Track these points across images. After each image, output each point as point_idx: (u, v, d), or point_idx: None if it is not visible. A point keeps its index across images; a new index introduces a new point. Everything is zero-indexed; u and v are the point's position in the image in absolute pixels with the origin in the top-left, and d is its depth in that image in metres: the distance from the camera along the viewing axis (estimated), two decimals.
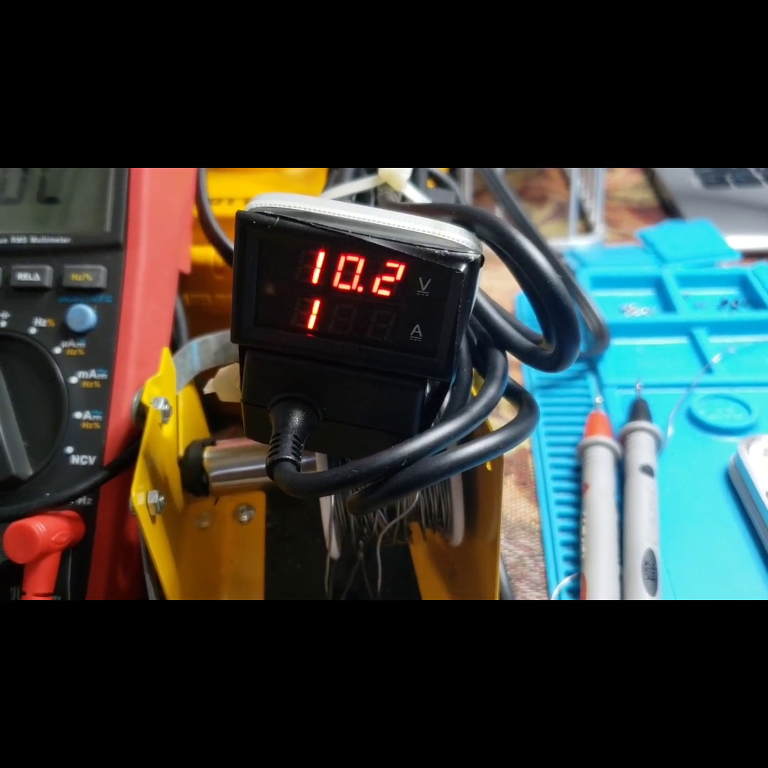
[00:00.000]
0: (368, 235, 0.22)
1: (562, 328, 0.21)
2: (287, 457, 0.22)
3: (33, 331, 0.32)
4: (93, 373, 0.31)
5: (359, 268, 0.22)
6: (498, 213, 0.56)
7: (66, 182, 0.33)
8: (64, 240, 0.32)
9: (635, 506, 0.36)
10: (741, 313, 0.52)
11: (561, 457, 0.41)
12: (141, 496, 0.25)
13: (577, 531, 0.36)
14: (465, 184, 0.64)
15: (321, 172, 0.39)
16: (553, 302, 0.21)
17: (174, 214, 0.35)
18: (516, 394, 0.25)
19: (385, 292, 0.22)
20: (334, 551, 0.29)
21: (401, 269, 0.22)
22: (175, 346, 0.36)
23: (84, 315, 0.32)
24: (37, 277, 0.32)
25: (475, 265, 0.22)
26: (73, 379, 0.31)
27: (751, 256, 0.58)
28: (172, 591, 0.27)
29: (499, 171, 0.59)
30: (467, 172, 0.64)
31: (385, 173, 0.30)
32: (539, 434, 0.43)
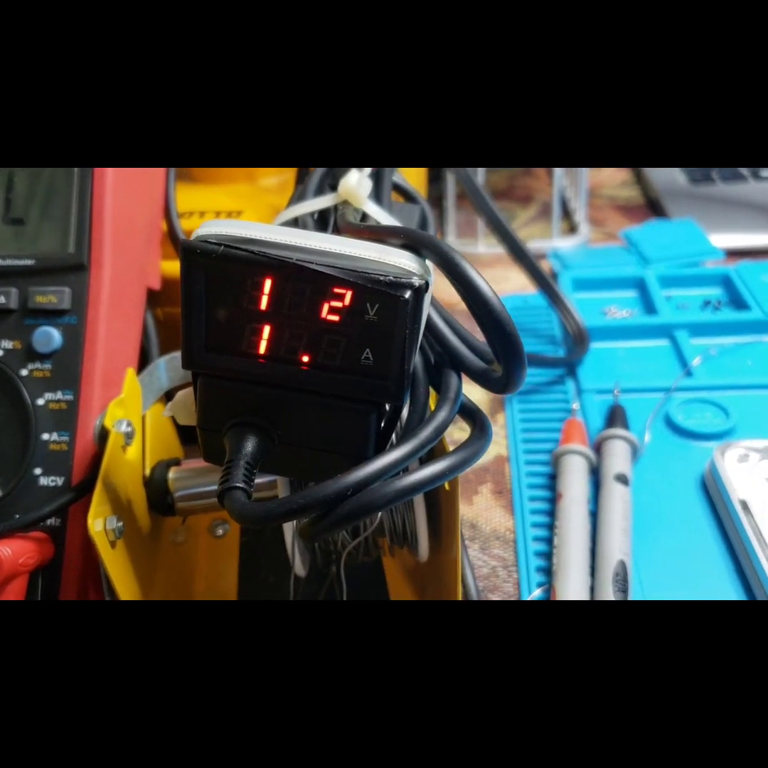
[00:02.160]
0: (313, 262, 0.22)
1: (507, 354, 0.21)
2: (237, 485, 0.22)
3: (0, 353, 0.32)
4: (59, 395, 0.31)
5: (306, 295, 0.22)
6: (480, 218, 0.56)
7: (32, 203, 0.33)
8: (29, 262, 0.32)
9: (608, 516, 0.36)
10: (723, 314, 0.51)
11: (537, 464, 0.41)
12: (99, 521, 0.25)
13: (550, 541, 0.36)
14: (447, 188, 0.64)
15: (292, 184, 0.39)
16: (497, 329, 0.21)
17: (140, 232, 0.35)
18: (471, 414, 0.25)
19: (334, 318, 0.22)
20: (299, 569, 0.29)
21: (348, 295, 0.22)
22: (146, 362, 0.36)
23: (49, 336, 0.32)
24: (2, 300, 0.32)
25: (419, 291, 0.21)
26: (40, 401, 0.31)
27: (734, 254, 0.57)
28: None
29: (481, 170, 0.59)
30: (450, 177, 0.64)
31: (345, 190, 0.30)
32: (517, 442, 0.43)
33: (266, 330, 0.23)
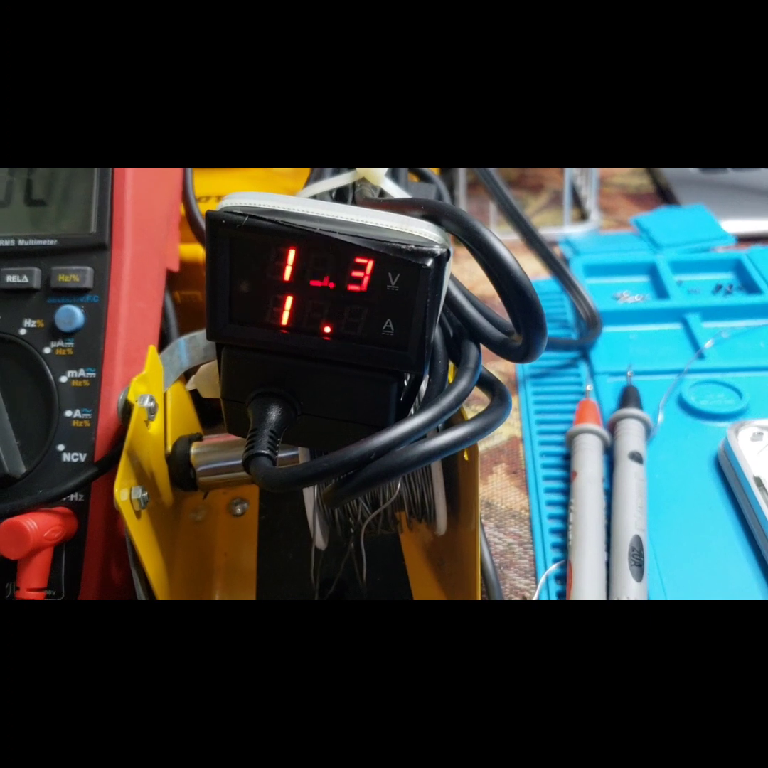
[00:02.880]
0: (336, 232, 0.22)
1: (528, 321, 0.22)
2: (262, 452, 0.22)
3: (23, 332, 0.32)
4: (82, 372, 0.32)
5: (329, 265, 0.22)
6: (492, 205, 0.56)
7: (53, 184, 0.34)
8: (51, 242, 0.33)
9: (623, 493, 0.36)
10: (735, 298, 0.51)
11: (551, 445, 0.41)
12: (125, 492, 0.26)
13: (565, 518, 0.37)
14: (459, 177, 0.64)
15: (308, 169, 0.39)
16: (518, 295, 0.21)
17: (160, 214, 0.36)
18: (490, 385, 0.25)
19: (356, 288, 0.23)
20: (320, 541, 0.30)
21: (370, 265, 0.22)
22: (165, 344, 0.36)
23: (72, 315, 0.32)
24: (25, 279, 0.33)
25: (441, 259, 0.22)
26: (63, 378, 0.32)
27: (746, 239, 0.57)
28: (159, 584, 0.28)
29: None
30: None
31: (363, 168, 0.30)
32: (530, 423, 0.43)
33: (289, 301, 0.23)
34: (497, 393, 0.24)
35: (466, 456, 0.26)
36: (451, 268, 0.24)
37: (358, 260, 0.22)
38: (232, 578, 0.35)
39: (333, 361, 0.24)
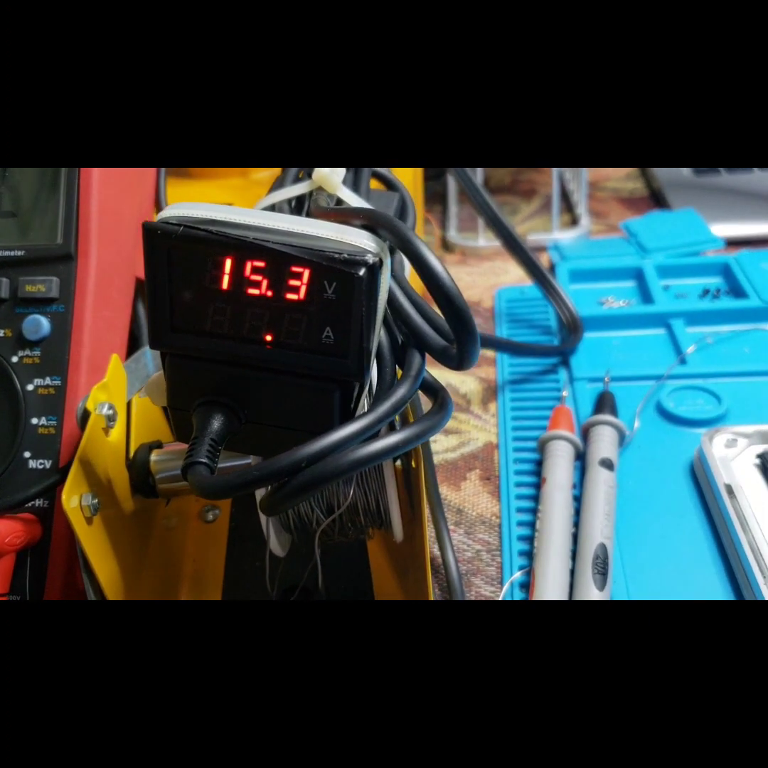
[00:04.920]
0: (269, 241, 0.22)
1: (459, 329, 0.22)
2: (200, 460, 0.23)
3: None
4: (48, 380, 0.32)
5: (266, 274, 0.23)
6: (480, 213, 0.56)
7: (23, 196, 0.34)
8: (20, 253, 0.33)
9: (591, 500, 0.36)
10: (721, 302, 0.51)
11: (525, 451, 0.41)
12: (75, 498, 0.26)
13: (534, 525, 0.37)
14: (448, 184, 0.64)
15: None
16: (448, 304, 0.21)
17: (129, 223, 0.36)
18: (434, 392, 0.25)
19: (294, 297, 0.23)
20: (276, 548, 0.30)
21: (307, 274, 0.22)
22: (136, 351, 0.37)
23: (38, 324, 0.33)
24: None
25: (373, 268, 0.22)
26: (30, 386, 0.32)
27: (735, 243, 0.57)
28: (113, 590, 0.28)
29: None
30: (451, 174, 0.64)
31: (319, 177, 0.30)
32: (506, 429, 0.43)
33: (228, 310, 0.23)
34: (439, 400, 0.24)
35: (412, 463, 0.26)
36: (388, 276, 0.24)
37: (294, 269, 0.22)
38: (198, 585, 0.36)
39: (275, 369, 0.24)
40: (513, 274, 0.59)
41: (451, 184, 0.66)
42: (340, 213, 0.26)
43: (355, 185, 0.33)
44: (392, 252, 0.24)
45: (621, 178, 0.72)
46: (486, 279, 0.59)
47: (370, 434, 0.22)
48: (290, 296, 0.23)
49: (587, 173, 0.63)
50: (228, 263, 0.23)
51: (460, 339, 0.22)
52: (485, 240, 0.62)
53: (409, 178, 0.49)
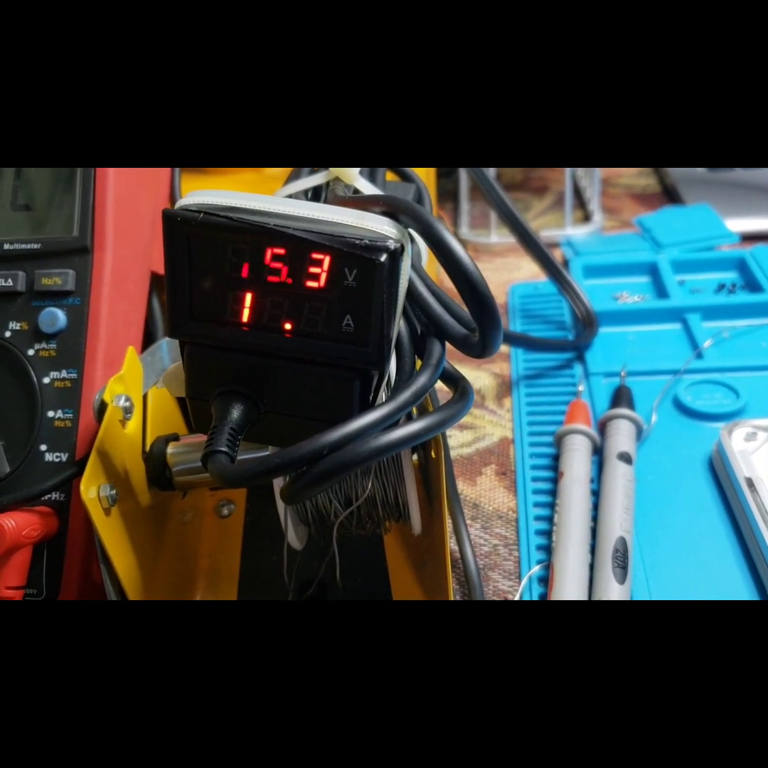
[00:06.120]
0: (290, 228, 0.22)
1: (482, 316, 0.22)
2: (220, 448, 0.22)
3: (8, 334, 0.33)
4: (64, 373, 0.32)
5: (286, 261, 0.22)
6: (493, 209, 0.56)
7: (38, 190, 0.34)
8: (36, 246, 0.33)
9: (610, 494, 0.35)
10: (737, 297, 0.50)
11: (541, 446, 0.41)
12: (93, 489, 0.26)
13: (551, 520, 0.36)
14: (460, 181, 0.64)
15: None
16: (470, 291, 0.21)
17: (145, 217, 0.36)
18: (454, 381, 0.25)
19: (314, 284, 0.23)
20: (293, 541, 0.29)
21: (327, 261, 0.22)
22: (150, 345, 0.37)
23: (54, 317, 0.33)
24: (10, 283, 0.33)
25: (395, 254, 0.22)
26: (46, 380, 0.32)
27: (750, 238, 0.56)
28: (132, 583, 0.28)
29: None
30: (463, 171, 0.64)
31: (337, 168, 0.30)
32: (522, 424, 0.43)
33: (248, 298, 0.23)
34: (459, 389, 0.24)
35: (432, 453, 0.26)
36: (409, 263, 0.24)
37: (315, 256, 0.22)
38: (214, 580, 0.36)
39: (295, 358, 0.24)
40: (526, 271, 0.58)
41: (463, 181, 0.66)
42: (360, 201, 0.25)
43: (371, 176, 0.32)
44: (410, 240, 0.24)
45: (634, 174, 0.72)
46: (499, 275, 0.59)
47: (391, 422, 0.22)
48: (310, 284, 0.23)
49: (600, 170, 0.63)
50: (248, 250, 0.22)
51: (483, 325, 0.22)
52: (498, 236, 0.62)
53: (422, 177, 0.48)
